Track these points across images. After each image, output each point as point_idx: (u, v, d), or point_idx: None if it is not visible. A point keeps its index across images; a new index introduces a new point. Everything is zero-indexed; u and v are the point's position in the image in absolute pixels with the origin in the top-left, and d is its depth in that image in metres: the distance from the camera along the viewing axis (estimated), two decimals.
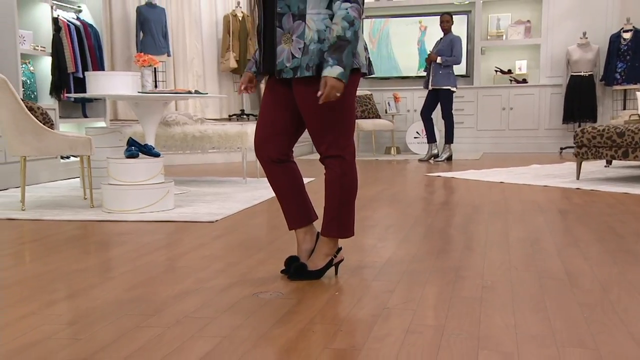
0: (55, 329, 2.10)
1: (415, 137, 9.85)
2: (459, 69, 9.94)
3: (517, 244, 3.32)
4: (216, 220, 4.10)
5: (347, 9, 2.38)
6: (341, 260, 2.75)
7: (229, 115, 10.32)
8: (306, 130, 2.66)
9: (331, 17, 2.45)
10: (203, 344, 1.94)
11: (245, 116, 10.18)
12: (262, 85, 9.74)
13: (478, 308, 2.26)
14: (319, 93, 2.40)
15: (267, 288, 2.55)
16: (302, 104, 2.52)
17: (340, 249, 2.72)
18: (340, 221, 2.61)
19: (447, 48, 8.37)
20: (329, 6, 2.46)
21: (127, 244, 3.42)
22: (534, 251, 3.14)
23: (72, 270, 2.87)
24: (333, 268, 2.75)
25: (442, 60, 8.27)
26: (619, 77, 9.37)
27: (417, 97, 10.24)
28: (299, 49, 2.44)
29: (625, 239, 3.42)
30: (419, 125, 9.73)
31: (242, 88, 2.70)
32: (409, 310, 2.25)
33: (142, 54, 5.46)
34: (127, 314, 2.25)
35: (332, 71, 2.36)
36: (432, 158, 8.65)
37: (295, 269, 2.65)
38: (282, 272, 2.76)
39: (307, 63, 2.44)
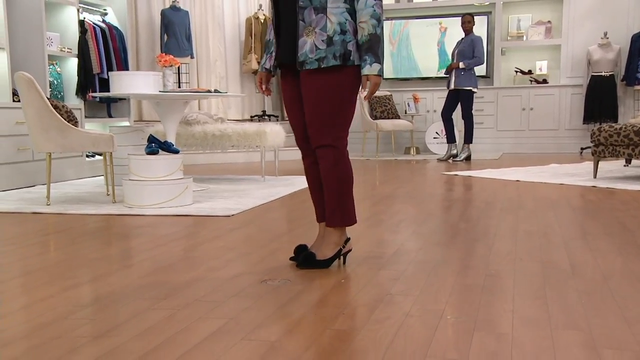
0: (72, 310, 2.19)
1: (434, 138, 9.87)
2: (479, 69, 9.94)
3: (525, 236, 3.35)
4: (232, 215, 4.18)
5: (373, 7, 2.52)
6: (349, 251, 2.81)
7: (251, 116, 10.44)
8: None
9: (348, 10, 2.55)
10: (210, 324, 2.02)
11: (266, 117, 10.28)
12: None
13: (479, 295, 2.31)
14: (363, 90, 2.57)
15: (275, 275, 2.63)
16: (307, 91, 2.60)
17: (348, 239, 2.79)
18: (342, 210, 2.67)
19: (469, 49, 8.38)
20: (346, 0, 2.54)
21: (145, 236, 3.52)
22: (541, 243, 3.17)
23: (91, 259, 2.98)
24: (341, 257, 2.82)
25: (465, 64, 8.29)
26: None
27: (436, 98, 10.26)
28: (323, 40, 2.53)
29: (634, 233, 3.43)
30: (439, 126, 9.77)
31: (265, 88, 2.79)
32: (411, 296, 2.31)
33: (164, 54, 5.58)
34: (140, 297, 2.34)
35: (372, 69, 2.54)
36: (451, 158, 8.67)
37: (304, 258, 2.72)
38: (291, 259, 2.84)
39: (333, 53, 2.54)
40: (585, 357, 1.70)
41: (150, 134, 4.72)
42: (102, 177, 6.81)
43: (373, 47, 2.53)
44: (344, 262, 2.83)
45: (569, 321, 1.99)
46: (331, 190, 2.65)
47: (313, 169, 2.79)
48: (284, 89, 2.76)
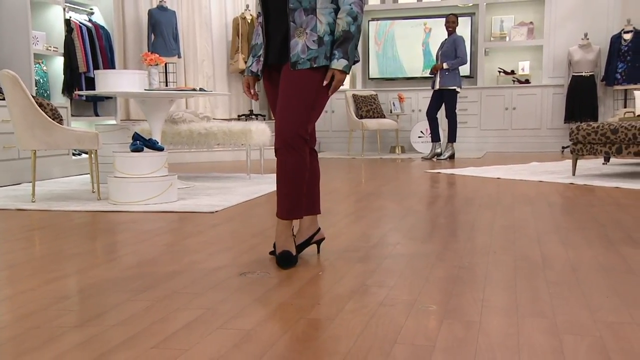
0: (51, 302, 2.22)
1: (419, 137, 9.94)
2: (463, 69, 10.03)
3: (501, 231, 3.41)
4: (216, 211, 4.21)
5: (351, 5, 2.55)
6: (322, 239, 2.90)
7: (238, 116, 10.46)
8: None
9: (335, 10, 2.60)
10: (187, 315, 2.05)
11: (253, 116, 10.31)
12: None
13: (451, 285, 2.36)
14: (325, 83, 2.58)
15: (255, 268, 2.66)
16: (287, 84, 2.60)
17: (319, 229, 2.88)
18: (294, 203, 2.67)
19: (451, 49, 8.45)
20: (333, 1, 2.59)
21: (128, 231, 3.55)
22: (515, 237, 3.23)
23: (75, 253, 3.00)
24: (315, 248, 2.93)
25: (448, 65, 8.37)
26: (619, 77, 9.41)
27: (421, 98, 10.32)
28: (314, 41, 2.57)
29: (606, 227, 3.50)
30: (423, 125, 9.83)
31: (253, 93, 2.81)
32: (386, 287, 2.35)
33: (150, 53, 5.60)
34: (122, 290, 2.37)
35: (338, 64, 2.55)
36: (435, 156, 8.73)
37: (284, 260, 2.67)
38: (270, 253, 2.88)
39: (324, 53, 2.58)
40: (547, 342, 1.75)
41: (135, 132, 4.74)
42: (88, 175, 6.82)
43: (344, 43, 2.55)
44: (318, 251, 2.93)
45: (535, 309, 2.05)
46: (298, 183, 2.65)
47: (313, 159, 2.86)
48: (270, 90, 2.77)
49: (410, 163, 8.14)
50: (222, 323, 1.96)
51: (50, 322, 2.00)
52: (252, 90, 2.82)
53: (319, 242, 2.91)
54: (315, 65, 2.58)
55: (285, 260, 2.67)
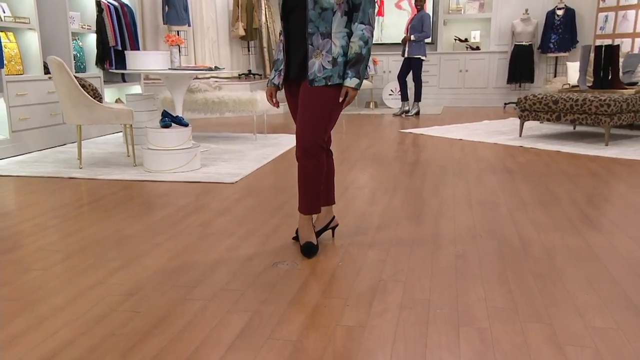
0: (118, 300, 2.05)
1: (389, 94, 9.67)
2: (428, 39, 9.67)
3: (479, 208, 3.28)
4: (236, 182, 4.02)
5: (362, 30, 2.35)
6: (336, 225, 2.76)
7: (239, 74, 10.05)
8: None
9: (348, 34, 2.39)
10: (239, 319, 1.91)
11: (252, 75, 9.90)
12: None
13: (454, 280, 2.23)
14: (341, 100, 2.40)
15: (283, 257, 2.51)
16: (305, 99, 2.40)
17: (334, 217, 2.74)
18: (313, 201, 2.52)
19: (419, 24, 8.09)
20: (347, 26, 2.38)
21: (166, 208, 3.34)
22: (493, 216, 3.11)
23: (124, 236, 2.81)
24: (331, 232, 2.79)
25: (415, 37, 8.03)
26: (552, 46, 9.17)
27: (391, 61, 9.99)
28: (329, 61, 2.36)
29: (561, 201, 3.39)
30: (393, 85, 9.56)
31: (275, 102, 2.58)
32: (400, 282, 2.22)
33: (171, 34, 5.22)
34: (175, 285, 2.20)
35: (351, 82, 2.37)
36: (404, 113, 8.52)
37: (308, 251, 2.51)
38: (293, 239, 2.72)
39: (338, 73, 2.38)
40: (554, 354, 1.65)
41: (164, 110, 4.46)
42: (120, 134, 6.51)
43: (356, 64, 2.35)
44: (333, 235, 2.78)
45: (532, 312, 1.93)
46: (316, 185, 2.48)
47: (329, 160, 2.66)
48: (290, 100, 2.56)
49: (383, 120, 7.92)
50: (270, 332, 1.82)
51: (122, 327, 1.84)
52: (274, 99, 2.59)
53: (333, 228, 2.76)
54: (330, 83, 2.37)
55: (309, 250, 2.52)
